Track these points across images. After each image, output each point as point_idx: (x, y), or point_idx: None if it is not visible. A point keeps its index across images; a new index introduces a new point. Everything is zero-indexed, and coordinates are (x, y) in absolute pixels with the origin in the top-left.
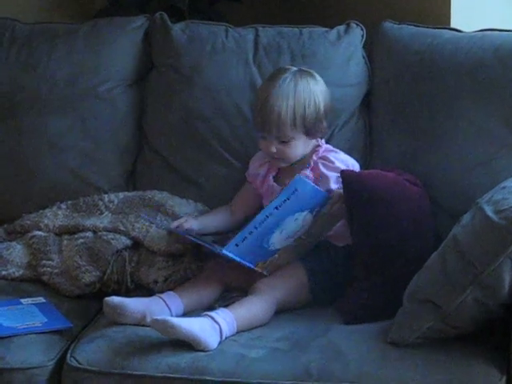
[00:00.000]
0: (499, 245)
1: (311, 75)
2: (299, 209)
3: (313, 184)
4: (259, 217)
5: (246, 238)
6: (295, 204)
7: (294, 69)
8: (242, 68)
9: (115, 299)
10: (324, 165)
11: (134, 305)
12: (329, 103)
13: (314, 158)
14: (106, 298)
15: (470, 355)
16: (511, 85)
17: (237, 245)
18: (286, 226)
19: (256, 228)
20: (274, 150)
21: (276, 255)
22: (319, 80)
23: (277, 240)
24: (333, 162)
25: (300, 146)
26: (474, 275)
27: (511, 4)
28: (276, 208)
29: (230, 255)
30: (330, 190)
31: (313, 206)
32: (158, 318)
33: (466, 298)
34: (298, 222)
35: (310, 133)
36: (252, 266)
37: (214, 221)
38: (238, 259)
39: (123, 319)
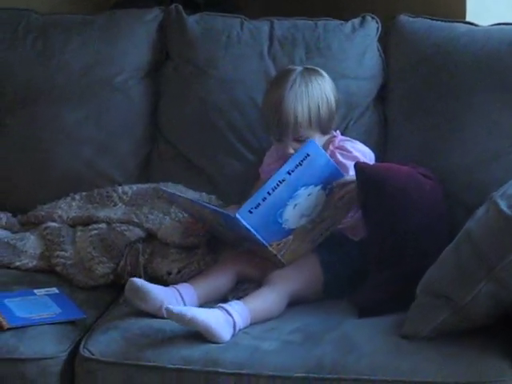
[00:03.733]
0: None
1: (318, 73)
2: (312, 181)
3: (324, 151)
4: (271, 182)
5: (259, 204)
6: (308, 173)
7: (300, 68)
8: (257, 60)
9: (139, 281)
10: (342, 154)
11: (156, 292)
12: (338, 98)
13: (331, 147)
14: (132, 278)
15: (483, 348)
16: None
17: (250, 211)
18: (300, 199)
19: (269, 194)
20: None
21: (290, 237)
22: (326, 76)
23: (290, 216)
24: (350, 152)
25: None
26: (488, 269)
27: None
28: (288, 173)
29: (244, 223)
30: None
31: (325, 181)
32: (174, 308)
33: (480, 292)
34: (311, 197)
35: (324, 130)
36: (265, 243)
37: None
38: (252, 230)
39: (143, 305)
